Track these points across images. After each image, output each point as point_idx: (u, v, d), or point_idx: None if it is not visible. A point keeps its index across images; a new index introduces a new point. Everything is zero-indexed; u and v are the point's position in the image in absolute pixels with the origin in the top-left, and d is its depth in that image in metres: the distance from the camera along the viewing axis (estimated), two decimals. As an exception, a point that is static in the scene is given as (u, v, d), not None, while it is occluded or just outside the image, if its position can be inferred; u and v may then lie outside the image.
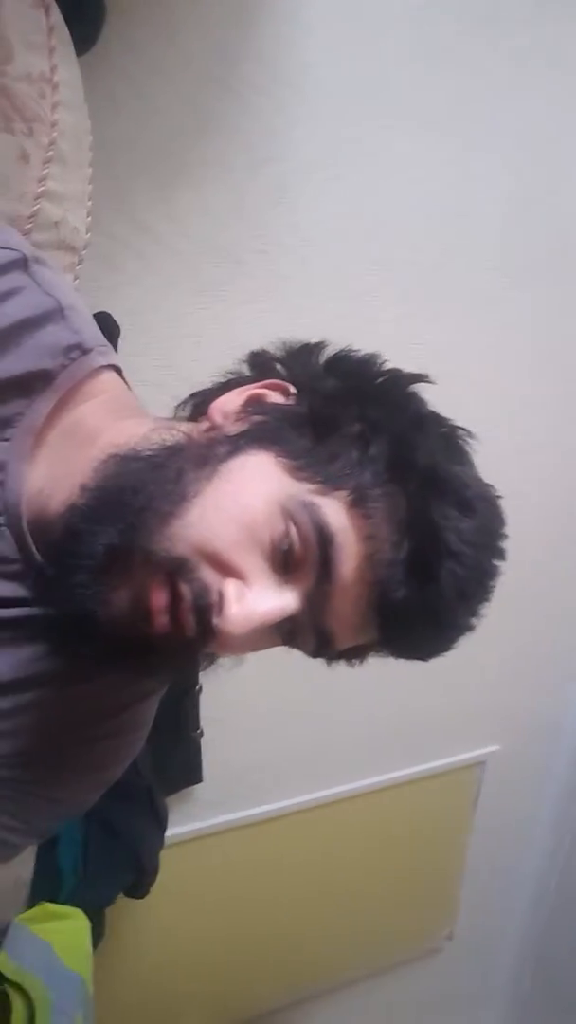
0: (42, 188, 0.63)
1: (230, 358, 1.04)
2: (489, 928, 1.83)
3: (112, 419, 0.45)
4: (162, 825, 1.08)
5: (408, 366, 1.28)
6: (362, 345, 1.17)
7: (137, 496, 0.40)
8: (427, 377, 0.47)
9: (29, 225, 0.63)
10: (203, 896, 1.38)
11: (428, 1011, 1.88)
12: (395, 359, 1.26)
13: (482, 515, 0.43)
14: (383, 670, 0.51)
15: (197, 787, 1.24)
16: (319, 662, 0.49)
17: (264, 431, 0.44)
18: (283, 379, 0.47)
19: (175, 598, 0.39)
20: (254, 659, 0.53)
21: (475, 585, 0.42)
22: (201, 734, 1.17)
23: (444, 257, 1.12)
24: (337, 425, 0.44)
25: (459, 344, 1.19)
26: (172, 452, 0.43)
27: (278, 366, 0.48)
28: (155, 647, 0.40)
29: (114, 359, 0.48)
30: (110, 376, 0.48)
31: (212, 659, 0.48)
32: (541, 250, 1.20)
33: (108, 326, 0.80)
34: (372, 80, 0.98)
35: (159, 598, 0.39)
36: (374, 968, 1.72)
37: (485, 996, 1.97)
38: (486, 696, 1.50)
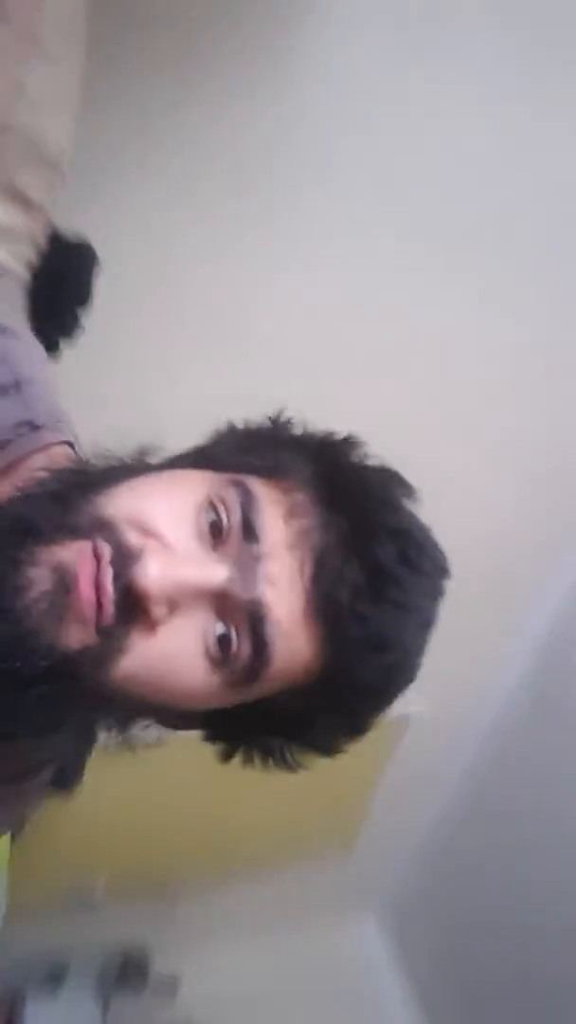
0: (14, 82, 0.54)
1: (217, 280, 0.95)
2: (383, 853, 1.99)
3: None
4: (92, 737, 1.12)
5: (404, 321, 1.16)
6: (367, 282, 1.06)
7: (64, 482, 0.42)
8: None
9: (-4, 136, 0.55)
10: (121, 793, 1.47)
11: (318, 905, 2.10)
12: (392, 324, 1.16)
13: (407, 493, 0.43)
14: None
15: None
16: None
17: (188, 453, 0.47)
18: None
19: (96, 564, 0.37)
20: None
21: (415, 545, 0.40)
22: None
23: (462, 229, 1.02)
24: (252, 437, 0.47)
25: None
26: (105, 466, 0.45)
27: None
28: (70, 651, 0.37)
29: (66, 435, 0.48)
30: (60, 450, 0.47)
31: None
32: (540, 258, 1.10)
33: (84, 255, 0.72)
34: None
35: (83, 560, 0.37)
36: (270, 864, 1.88)
37: (371, 901, 2.19)
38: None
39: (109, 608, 0.37)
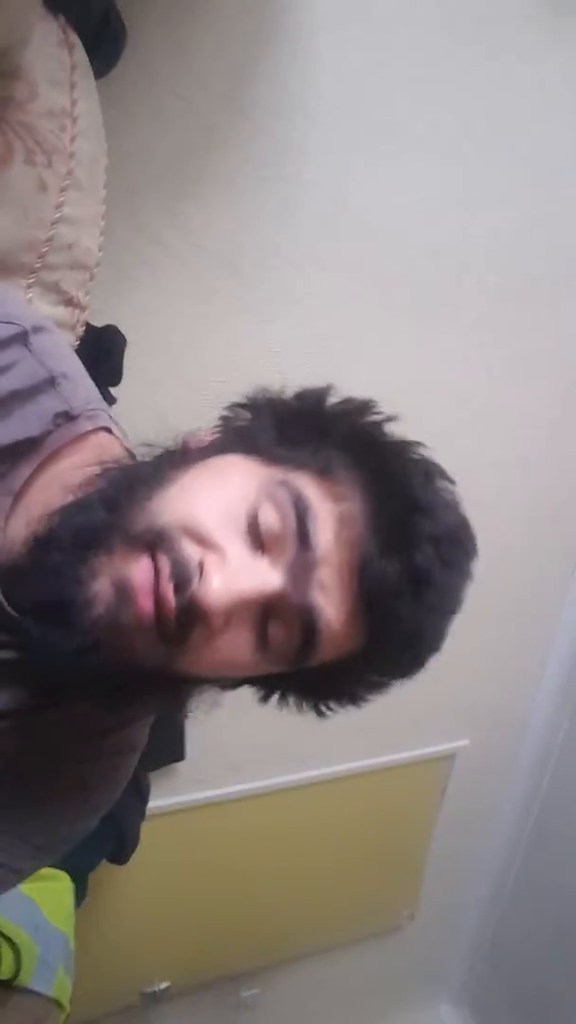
0: (59, 214, 0.68)
1: (229, 363, 1.09)
2: (449, 911, 1.92)
3: (92, 469, 0.46)
4: (144, 799, 1.16)
5: (405, 383, 1.31)
6: (359, 360, 1.21)
7: (116, 486, 0.43)
8: (377, 403, 0.49)
9: (45, 248, 0.68)
10: (180, 865, 1.46)
11: (386, 984, 1.98)
12: (391, 376, 1.31)
13: (449, 489, 0.45)
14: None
15: (180, 764, 1.31)
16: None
17: (234, 437, 0.48)
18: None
19: (156, 576, 0.39)
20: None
21: (452, 549, 0.42)
22: (187, 715, 1.24)
23: (443, 279, 1.16)
24: (298, 423, 0.48)
25: (451, 360, 1.24)
26: (151, 461, 0.47)
27: (246, 411, 0.51)
28: (134, 648, 0.40)
29: (103, 421, 0.50)
30: (99, 438, 0.49)
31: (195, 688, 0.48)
32: (540, 275, 1.24)
33: (114, 339, 0.85)
34: (378, 106, 1.01)
35: (142, 574, 0.39)
36: (338, 941, 1.81)
37: (441, 975, 2.07)
38: (458, 692, 1.57)
39: (171, 619, 0.39)
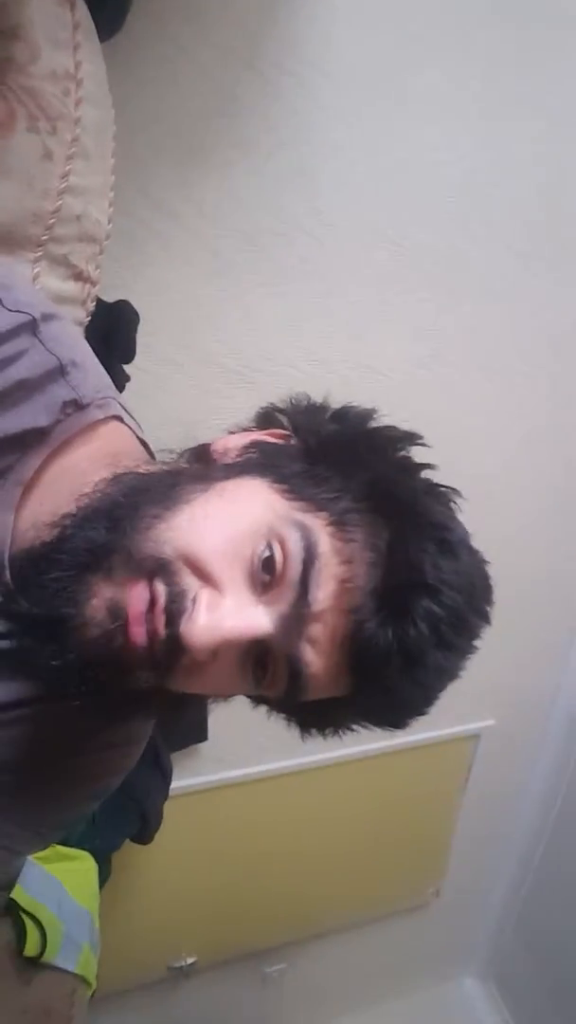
0: (65, 184, 0.65)
1: (245, 339, 1.06)
2: (475, 888, 1.92)
3: (104, 461, 0.46)
4: (167, 779, 1.16)
5: (424, 352, 1.27)
6: (381, 332, 1.17)
7: (128, 500, 0.42)
8: (421, 437, 0.48)
9: (52, 220, 0.66)
10: (204, 844, 1.47)
11: (411, 960, 2.00)
12: (416, 349, 1.27)
13: (465, 562, 0.43)
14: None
15: (202, 744, 1.31)
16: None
17: (260, 461, 0.46)
18: (285, 428, 0.49)
19: (151, 605, 0.39)
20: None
21: (451, 630, 0.41)
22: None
23: (466, 243, 1.12)
24: (327, 458, 0.46)
25: (475, 330, 1.20)
26: (169, 472, 0.46)
27: (283, 418, 0.50)
28: (125, 670, 0.40)
29: (114, 409, 0.49)
30: (109, 427, 0.48)
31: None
32: (567, 237, 1.19)
33: (126, 314, 0.83)
34: (397, 61, 0.97)
35: (138, 602, 0.39)
36: (362, 917, 1.82)
37: (467, 951, 2.08)
38: (483, 672, 1.53)
39: (159, 648, 0.39)
